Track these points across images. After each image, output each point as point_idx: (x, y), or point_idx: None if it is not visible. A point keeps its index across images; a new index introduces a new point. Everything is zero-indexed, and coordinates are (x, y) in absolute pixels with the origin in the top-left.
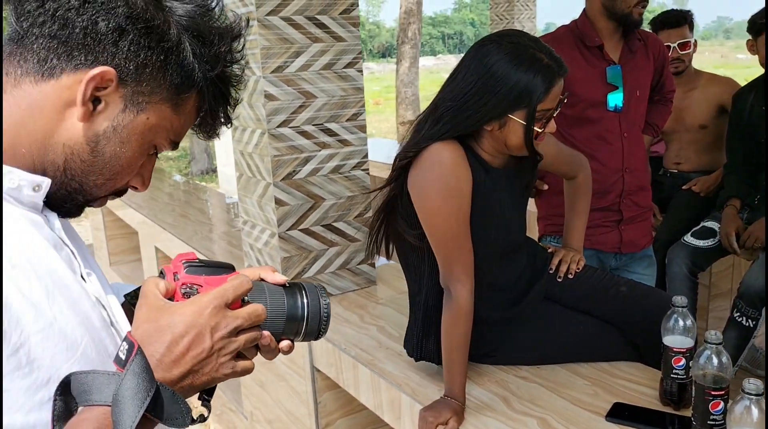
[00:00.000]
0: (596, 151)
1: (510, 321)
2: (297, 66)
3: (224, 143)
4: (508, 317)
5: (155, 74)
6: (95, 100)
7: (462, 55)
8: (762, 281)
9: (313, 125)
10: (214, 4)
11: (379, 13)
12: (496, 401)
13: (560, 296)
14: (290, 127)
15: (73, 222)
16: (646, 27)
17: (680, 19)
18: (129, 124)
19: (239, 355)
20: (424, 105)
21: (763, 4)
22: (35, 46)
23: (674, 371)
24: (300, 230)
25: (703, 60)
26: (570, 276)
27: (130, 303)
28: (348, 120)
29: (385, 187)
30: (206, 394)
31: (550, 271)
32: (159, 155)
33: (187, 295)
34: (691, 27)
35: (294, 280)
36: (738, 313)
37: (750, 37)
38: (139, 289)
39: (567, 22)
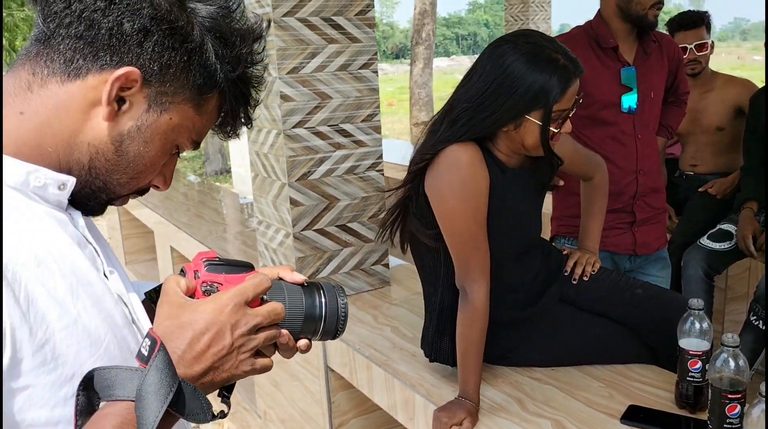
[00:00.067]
0: (610, 152)
1: (525, 322)
2: (313, 67)
3: (238, 144)
4: (523, 318)
5: (179, 75)
6: (120, 100)
7: (476, 56)
8: None
9: (328, 126)
10: (235, 5)
11: (393, 14)
12: (511, 402)
13: (575, 298)
14: (305, 128)
15: None
16: (662, 28)
17: (697, 21)
18: (152, 123)
19: (258, 353)
20: (437, 106)
21: None
22: (62, 46)
23: (690, 374)
24: (314, 230)
25: (720, 61)
26: (585, 278)
27: (150, 301)
28: (363, 121)
29: (400, 188)
30: (226, 390)
31: (565, 273)
32: None
33: (207, 293)
34: (708, 28)
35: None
36: (754, 317)
37: None
38: (159, 287)
39: (582, 23)
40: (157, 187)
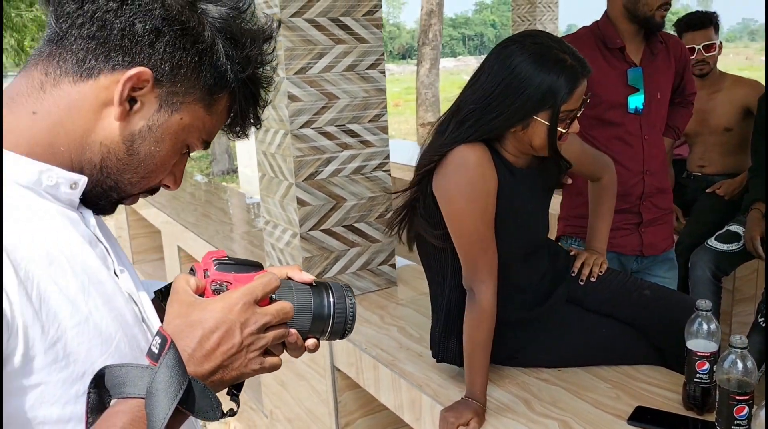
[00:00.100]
0: (617, 153)
1: (532, 323)
2: (320, 67)
3: (245, 144)
4: (530, 319)
5: (189, 75)
6: (131, 100)
7: (483, 57)
8: None
9: (336, 126)
10: (246, 6)
11: (400, 14)
12: (517, 403)
13: (583, 299)
14: (313, 128)
15: None
16: (670, 29)
17: (705, 21)
18: (164, 123)
19: (267, 352)
20: (444, 107)
21: None
22: (74, 47)
23: (698, 375)
24: (321, 230)
25: (728, 62)
26: (592, 279)
27: (159, 299)
28: (370, 121)
29: (408, 190)
30: (235, 389)
31: (573, 274)
32: None
33: (217, 292)
34: (716, 29)
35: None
36: (762, 318)
37: None
38: (168, 285)
39: (589, 24)
40: (167, 187)
